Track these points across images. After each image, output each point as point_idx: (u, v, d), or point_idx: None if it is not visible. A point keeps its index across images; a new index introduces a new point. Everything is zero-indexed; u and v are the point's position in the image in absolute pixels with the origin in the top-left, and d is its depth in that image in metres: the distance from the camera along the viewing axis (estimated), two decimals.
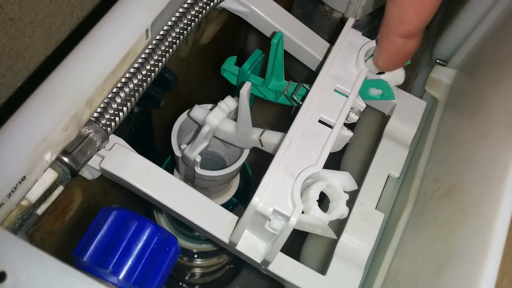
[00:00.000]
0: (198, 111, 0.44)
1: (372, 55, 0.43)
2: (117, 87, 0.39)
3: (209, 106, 0.46)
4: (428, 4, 0.36)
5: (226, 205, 0.57)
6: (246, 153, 0.48)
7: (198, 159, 0.45)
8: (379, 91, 0.43)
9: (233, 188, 0.58)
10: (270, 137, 0.43)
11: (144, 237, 0.31)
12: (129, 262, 0.30)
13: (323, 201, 0.37)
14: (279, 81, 0.46)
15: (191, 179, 0.50)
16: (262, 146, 0.44)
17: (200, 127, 0.44)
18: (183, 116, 0.47)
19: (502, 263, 0.29)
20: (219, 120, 0.43)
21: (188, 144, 0.46)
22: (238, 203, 0.60)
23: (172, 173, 0.53)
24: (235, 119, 0.43)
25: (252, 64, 0.46)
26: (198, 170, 0.46)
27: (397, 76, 0.44)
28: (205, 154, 0.51)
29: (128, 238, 0.31)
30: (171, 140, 0.47)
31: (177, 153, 0.46)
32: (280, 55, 0.44)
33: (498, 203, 0.31)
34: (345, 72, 0.41)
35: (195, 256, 0.71)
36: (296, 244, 0.63)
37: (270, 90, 0.47)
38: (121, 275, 0.30)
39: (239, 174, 0.58)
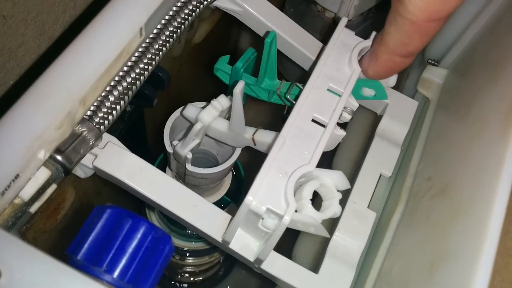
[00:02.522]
0: (191, 110, 0.44)
1: (365, 54, 0.43)
2: (111, 85, 0.39)
3: (202, 104, 0.46)
4: (432, 30, 0.36)
5: (217, 203, 0.57)
6: (237, 152, 0.48)
7: (189, 156, 0.45)
8: (371, 91, 0.43)
9: (224, 187, 0.58)
10: (263, 136, 0.43)
11: (138, 235, 0.31)
12: (124, 261, 0.30)
13: (315, 199, 0.37)
14: (272, 81, 0.46)
15: (182, 176, 0.49)
16: (255, 145, 0.44)
17: (192, 125, 0.44)
18: (176, 113, 0.47)
19: (494, 262, 0.29)
20: (212, 118, 0.43)
21: (180, 141, 0.46)
22: (230, 202, 0.60)
23: (164, 171, 0.54)
24: (228, 118, 0.43)
25: (245, 62, 0.46)
26: (189, 167, 0.46)
27: (390, 80, 0.44)
28: (198, 152, 0.51)
29: (122, 236, 0.31)
30: (163, 137, 0.47)
31: (169, 149, 0.46)
32: (273, 55, 0.44)
33: (492, 202, 0.31)
34: (338, 71, 0.42)
35: (187, 254, 0.71)
36: (288, 242, 0.63)
37: (263, 90, 0.47)
38: (116, 273, 0.30)
39: (231, 173, 0.58)
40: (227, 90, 0.48)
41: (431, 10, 0.34)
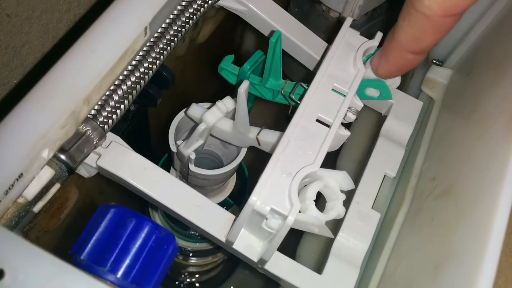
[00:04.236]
0: (196, 109, 0.44)
1: (370, 54, 0.43)
2: (115, 84, 0.39)
3: (207, 104, 0.46)
4: (447, 26, 0.35)
5: (220, 205, 0.56)
6: (242, 154, 0.48)
7: (193, 156, 0.45)
8: (376, 91, 0.43)
9: (228, 188, 0.58)
10: (268, 136, 0.43)
11: (142, 235, 0.31)
12: (127, 260, 0.30)
13: (319, 199, 0.37)
14: (276, 80, 0.46)
15: (185, 176, 0.49)
16: (259, 145, 0.44)
17: (197, 125, 0.44)
18: (182, 113, 0.47)
19: (499, 262, 0.29)
20: (216, 119, 0.43)
21: (184, 140, 0.46)
22: (233, 204, 0.59)
23: (168, 171, 0.53)
24: (233, 118, 0.43)
25: (253, 64, 0.45)
26: (191, 167, 0.46)
27: (394, 80, 0.44)
28: (202, 153, 0.51)
29: (126, 236, 0.31)
30: (168, 136, 0.47)
31: (173, 148, 0.46)
32: (278, 54, 0.43)
33: (496, 202, 0.31)
34: (343, 71, 0.41)
35: (190, 255, 0.71)
36: (292, 243, 0.63)
37: (268, 89, 0.47)
38: (119, 273, 0.30)
39: (235, 174, 0.58)
40: (231, 90, 0.47)
41: (448, 4, 0.33)
